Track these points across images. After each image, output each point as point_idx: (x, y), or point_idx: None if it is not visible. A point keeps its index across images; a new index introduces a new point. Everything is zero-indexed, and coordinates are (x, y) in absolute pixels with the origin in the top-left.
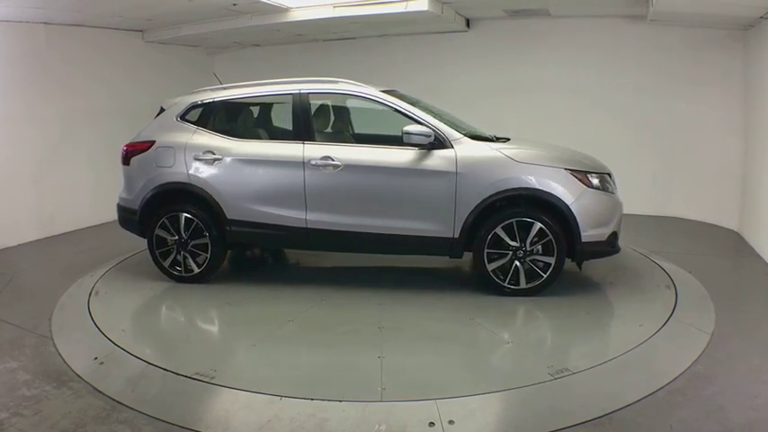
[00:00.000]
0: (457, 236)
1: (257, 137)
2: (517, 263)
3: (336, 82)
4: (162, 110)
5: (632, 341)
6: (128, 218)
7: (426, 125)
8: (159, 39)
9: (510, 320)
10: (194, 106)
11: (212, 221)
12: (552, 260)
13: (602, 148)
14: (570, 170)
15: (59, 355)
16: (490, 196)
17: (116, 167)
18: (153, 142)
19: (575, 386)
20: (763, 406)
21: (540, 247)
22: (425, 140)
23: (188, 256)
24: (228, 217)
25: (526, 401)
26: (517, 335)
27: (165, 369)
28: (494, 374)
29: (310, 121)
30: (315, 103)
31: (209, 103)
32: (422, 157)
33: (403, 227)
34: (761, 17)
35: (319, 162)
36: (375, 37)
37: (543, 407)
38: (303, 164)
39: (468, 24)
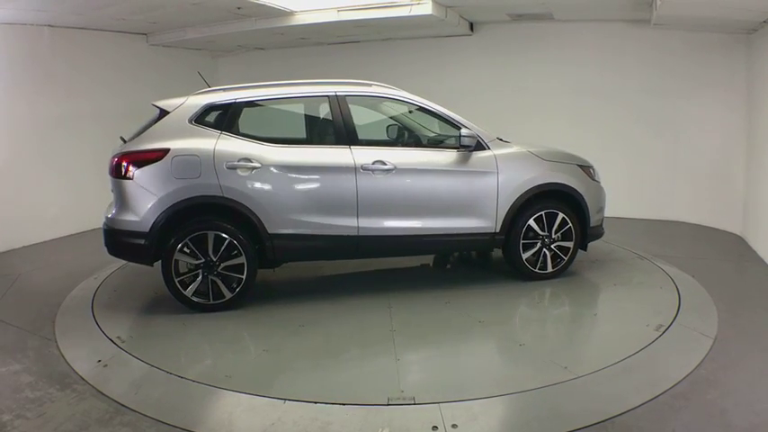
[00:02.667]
0: (498, 230)
1: (296, 141)
2: (545, 250)
3: (370, 84)
4: (164, 112)
5: (635, 345)
6: (129, 244)
7: (469, 128)
8: (163, 42)
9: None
10: (211, 108)
11: (250, 238)
12: (571, 245)
13: (606, 152)
14: (580, 166)
15: (63, 357)
16: (526, 192)
17: None
18: (166, 150)
19: (578, 390)
20: (765, 410)
21: (560, 234)
22: (474, 142)
23: (217, 280)
24: (270, 231)
25: (529, 405)
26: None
27: (168, 372)
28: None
29: (353, 124)
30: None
31: (232, 104)
32: (466, 158)
33: (451, 225)
34: (764, 21)
35: (371, 166)
36: (379, 41)
37: (546, 411)
38: (355, 169)
39: (471, 28)
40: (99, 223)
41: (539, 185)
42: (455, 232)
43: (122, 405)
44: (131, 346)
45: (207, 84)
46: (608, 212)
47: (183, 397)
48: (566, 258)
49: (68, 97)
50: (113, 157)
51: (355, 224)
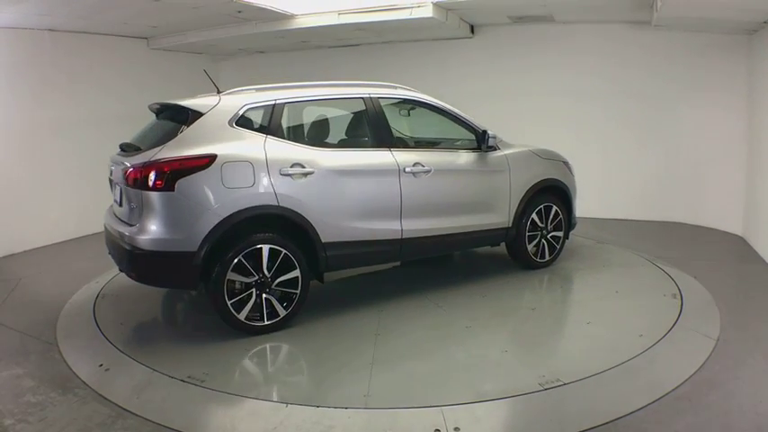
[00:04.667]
0: (510, 224)
1: (341, 145)
2: (543, 240)
3: (395, 87)
4: (195, 113)
5: (637, 347)
6: (171, 267)
7: (487, 131)
8: (164, 46)
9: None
10: (250, 109)
11: (305, 249)
12: (561, 234)
13: (607, 153)
14: (563, 162)
15: (65, 361)
16: (531, 188)
17: None
18: (213, 157)
19: (580, 392)
20: None
21: (552, 226)
22: (495, 143)
23: (272, 298)
24: (324, 240)
25: (532, 408)
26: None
27: (170, 376)
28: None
29: (389, 126)
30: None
31: (273, 105)
32: (484, 159)
33: (477, 222)
34: (765, 22)
35: (412, 168)
36: (380, 44)
37: (549, 413)
38: (398, 171)
39: (472, 30)
40: (100, 227)
41: (540, 182)
42: (479, 228)
43: (124, 409)
44: (133, 350)
45: (214, 83)
46: (609, 214)
47: (184, 401)
48: (558, 247)
49: (69, 101)
50: (138, 168)
51: (399, 227)
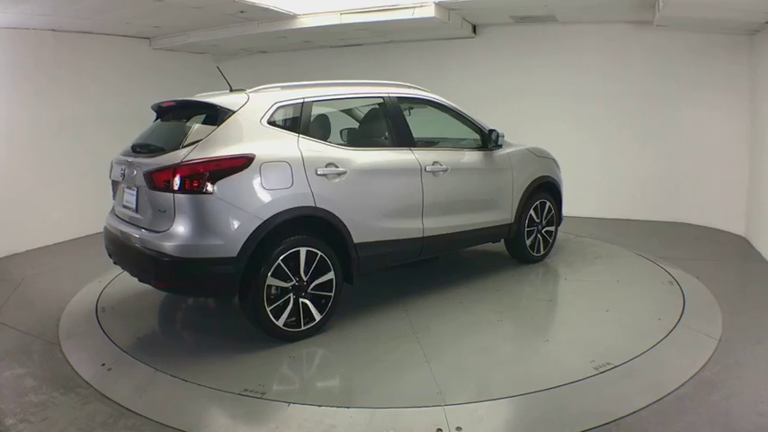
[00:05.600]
0: (513, 220)
1: (367, 144)
2: (539, 235)
3: (410, 87)
4: (225, 111)
5: (639, 347)
6: (208, 274)
7: (496, 130)
8: (166, 46)
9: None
10: (280, 107)
11: (338, 250)
12: (554, 228)
13: (609, 153)
14: (553, 160)
15: (67, 361)
16: (530, 185)
17: None
18: (252, 157)
19: (582, 392)
20: None
21: (545, 221)
22: (503, 142)
23: (308, 302)
24: (356, 241)
25: (534, 407)
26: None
27: (172, 375)
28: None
29: (408, 126)
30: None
31: (302, 103)
32: (491, 157)
33: (486, 219)
34: (766, 22)
35: (432, 167)
36: (382, 43)
37: (551, 413)
38: (420, 170)
39: (474, 30)
40: (102, 227)
41: (537, 179)
42: (488, 225)
43: (126, 409)
44: (135, 349)
45: (227, 80)
46: (611, 214)
47: (187, 400)
48: (551, 241)
49: (71, 101)
50: (169, 169)
51: (421, 225)
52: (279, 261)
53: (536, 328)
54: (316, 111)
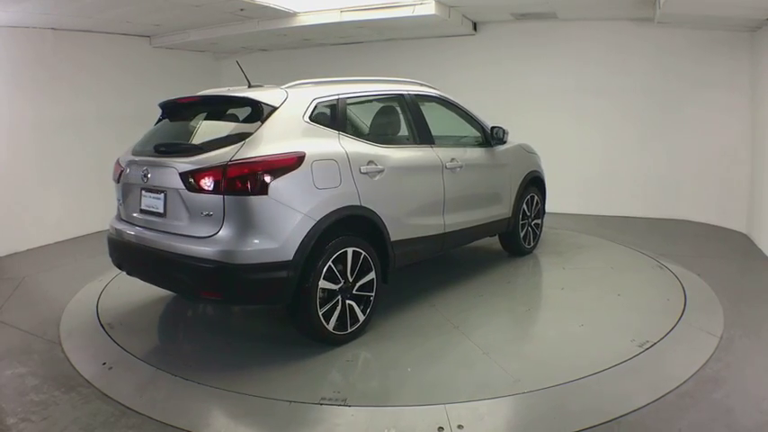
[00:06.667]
0: (511, 214)
1: (395, 142)
2: (528, 228)
3: (422, 84)
4: (268, 107)
5: (641, 345)
6: (262, 281)
7: (502, 127)
8: (166, 44)
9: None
10: (320, 103)
11: (378, 249)
12: (540, 221)
13: (610, 150)
14: (537, 155)
15: (68, 360)
16: (523, 179)
17: None
18: (302, 155)
19: (584, 390)
20: None
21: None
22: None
23: (353, 303)
24: (392, 239)
25: (535, 406)
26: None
27: (173, 374)
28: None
29: (427, 123)
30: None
31: (338, 100)
32: (494, 153)
33: (491, 214)
34: (767, 19)
35: (450, 164)
36: (382, 41)
37: (552, 411)
38: (441, 167)
39: (475, 28)
40: (103, 226)
41: (528, 173)
42: (492, 219)
43: (127, 408)
44: (136, 348)
45: (246, 76)
46: (613, 211)
47: (188, 399)
48: (539, 233)
49: (72, 100)
50: (217, 169)
51: (442, 221)
52: (330, 263)
53: (565, 315)
54: (350, 108)
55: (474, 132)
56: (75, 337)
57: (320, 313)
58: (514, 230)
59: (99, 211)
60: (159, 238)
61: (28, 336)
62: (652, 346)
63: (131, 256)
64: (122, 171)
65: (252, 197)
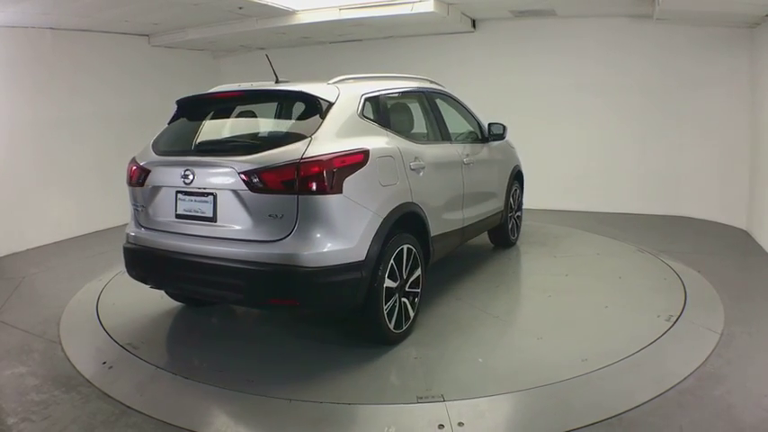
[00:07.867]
0: (504, 207)
1: (425, 138)
2: (513, 220)
3: (432, 81)
4: (325, 102)
5: (641, 341)
6: (337, 283)
7: (502, 124)
8: (165, 43)
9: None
10: (367, 99)
11: (424, 245)
12: (521, 213)
13: (609, 148)
14: (516, 149)
15: (68, 359)
16: (511, 174)
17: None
18: (368, 151)
19: (585, 387)
20: None
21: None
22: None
23: (406, 300)
24: (432, 234)
25: (536, 402)
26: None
27: (174, 373)
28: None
29: (444, 120)
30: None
31: (380, 96)
32: (491, 148)
33: (491, 207)
34: (766, 15)
35: (467, 160)
36: (381, 39)
37: (553, 407)
38: (461, 163)
39: (474, 25)
40: (102, 225)
41: (514, 167)
42: (493, 213)
43: (128, 407)
44: (136, 347)
45: (274, 71)
46: (613, 209)
47: (188, 398)
48: (520, 225)
49: (71, 99)
50: (289, 168)
51: (462, 216)
52: (392, 261)
53: (589, 298)
54: (387, 105)
55: (473, 128)
56: (75, 337)
57: (385, 312)
58: (504, 223)
59: (98, 211)
60: (208, 244)
61: (28, 335)
62: (677, 319)
63: (163, 266)
64: (144, 173)
65: (328, 196)
